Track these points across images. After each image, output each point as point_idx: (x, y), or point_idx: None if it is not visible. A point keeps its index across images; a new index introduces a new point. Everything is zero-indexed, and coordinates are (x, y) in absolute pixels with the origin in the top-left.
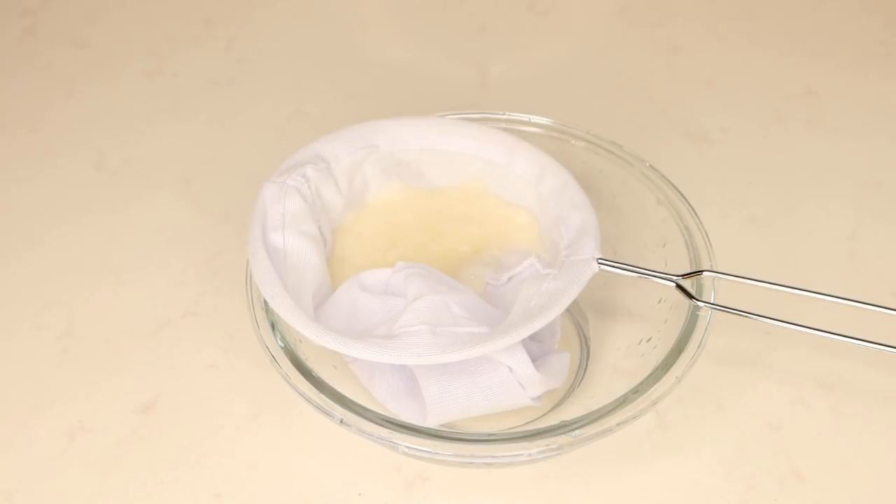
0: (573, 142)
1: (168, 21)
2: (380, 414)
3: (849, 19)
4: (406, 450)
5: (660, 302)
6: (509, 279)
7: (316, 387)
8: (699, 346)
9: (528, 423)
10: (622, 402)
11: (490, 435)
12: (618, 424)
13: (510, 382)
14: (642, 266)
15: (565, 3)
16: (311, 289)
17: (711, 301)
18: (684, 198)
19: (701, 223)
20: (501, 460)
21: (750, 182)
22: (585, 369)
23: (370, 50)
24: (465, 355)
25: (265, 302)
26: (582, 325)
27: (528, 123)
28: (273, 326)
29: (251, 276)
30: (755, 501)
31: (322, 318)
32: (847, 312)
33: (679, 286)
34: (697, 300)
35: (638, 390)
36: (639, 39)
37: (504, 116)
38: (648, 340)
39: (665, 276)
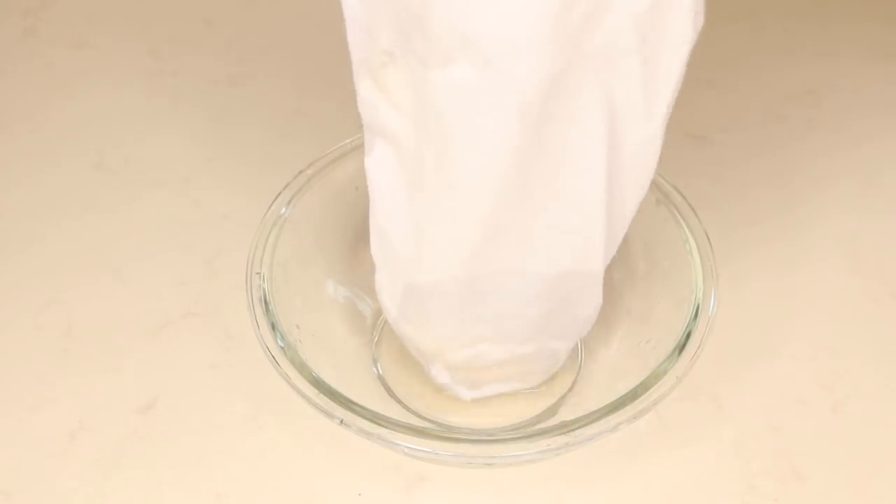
0: None
1: (168, 21)
2: (380, 414)
3: (850, 19)
4: (406, 450)
5: (660, 302)
6: None
7: (316, 387)
8: (699, 346)
9: (528, 423)
10: (622, 402)
11: (490, 435)
12: (618, 424)
13: None
14: None
15: None
16: None
17: (711, 303)
18: (684, 198)
19: (701, 223)
20: (501, 460)
21: (750, 182)
22: (585, 369)
23: None
24: None
25: (265, 302)
26: None
27: None
28: (273, 326)
29: (251, 276)
30: (755, 501)
31: None
32: (847, 312)
33: None
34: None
35: (638, 390)
36: None
37: None
38: (648, 341)
39: None
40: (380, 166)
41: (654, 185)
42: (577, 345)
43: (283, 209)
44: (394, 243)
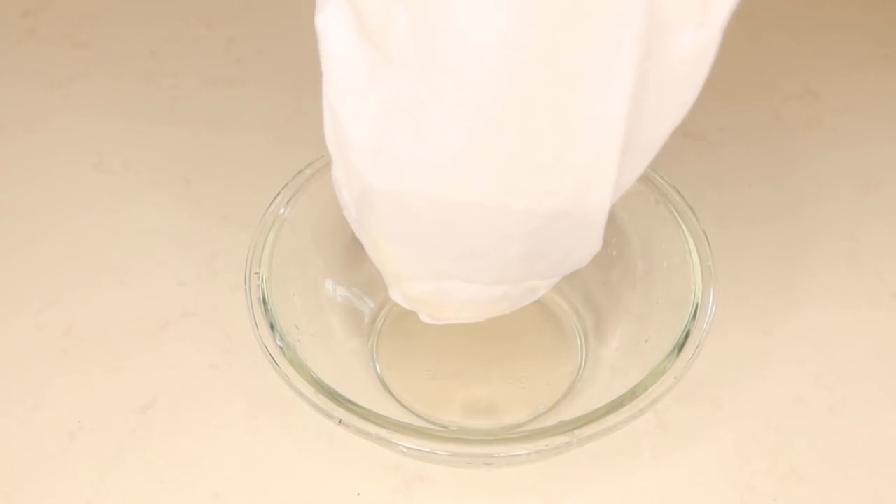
0: None
1: (168, 21)
2: (379, 414)
3: (849, 19)
4: (405, 450)
5: (659, 302)
6: None
7: (315, 387)
8: (698, 347)
9: (527, 422)
10: (622, 402)
11: (489, 435)
12: (617, 424)
13: None
14: None
15: None
16: None
17: (710, 303)
18: (684, 198)
19: (700, 223)
20: (500, 460)
21: (749, 183)
22: (584, 369)
23: None
24: None
25: (264, 302)
26: (582, 324)
27: None
28: (272, 326)
29: (250, 276)
30: (755, 501)
31: None
32: (847, 312)
33: None
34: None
35: (637, 390)
36: None
37: None
38: (647, 341)
39: None
40: (336, 26)
41: (653, 185)
42: (578, 345)
43: (282, 209)
44: (349, 133)
